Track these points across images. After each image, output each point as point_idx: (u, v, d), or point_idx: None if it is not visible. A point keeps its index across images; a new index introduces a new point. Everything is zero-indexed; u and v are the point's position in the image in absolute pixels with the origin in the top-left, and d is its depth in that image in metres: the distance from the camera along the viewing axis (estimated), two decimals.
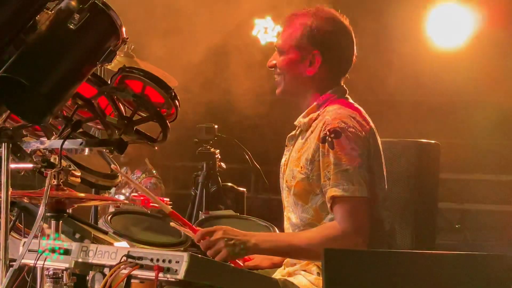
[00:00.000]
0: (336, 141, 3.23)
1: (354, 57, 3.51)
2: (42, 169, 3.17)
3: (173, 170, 9.84)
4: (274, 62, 3.51)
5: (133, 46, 5.01)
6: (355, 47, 3.50)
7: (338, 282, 2.55)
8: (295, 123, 3.50)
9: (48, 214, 3.23)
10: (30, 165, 3.15)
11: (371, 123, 3.40)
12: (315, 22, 3.42)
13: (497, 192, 9.08)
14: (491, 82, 7.80)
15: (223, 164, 6.08)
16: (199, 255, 2.76)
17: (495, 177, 9.22)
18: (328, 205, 3.25)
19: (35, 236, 3.01)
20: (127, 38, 3.02)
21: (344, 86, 3.51)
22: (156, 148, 3.26)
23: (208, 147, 6.03)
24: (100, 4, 2.94)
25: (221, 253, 3.16)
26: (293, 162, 3.41)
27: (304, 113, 3.47)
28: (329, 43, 3.43)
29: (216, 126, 6.55)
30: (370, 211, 3.24)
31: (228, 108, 7.73)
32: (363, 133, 3.29)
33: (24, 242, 3.06)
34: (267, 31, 8.24)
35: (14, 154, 3.06)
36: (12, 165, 3.06)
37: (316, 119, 3.40)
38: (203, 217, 4.45)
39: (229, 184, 5.73)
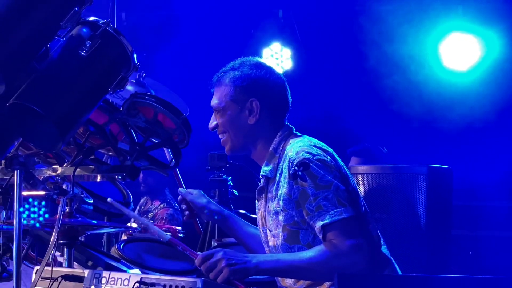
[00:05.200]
0: (307, 173, 3.25)
1: (290, 99, 3.53)
2: (54, 196, 3.17)
3: None
4: (214, 123, 3.54)
5: (144, 74, 5.00)
6: (288, 90, 3.53)
7: None
8: (261, 173, 3.49)
9: (61, 241, 3.23)
10: (42, 193, 3.15)
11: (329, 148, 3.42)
12: (243, 72, 3.47)
13: (511, 218, 9.02)
14: (504, 108, 7.78)
15: (235, 191, 6.05)
16: (213, 281, 2.75)
17: (509, 204, 9.17)
18: (320, 236, 3.24)
19: (48, 264, 3.00)
20: (139, 64, 3.04)
21: (289, 124, 3.52)
22: (167, 174, 3.26)
23: (220, 174, 6.01)
24: (112, 31, 2.96)
25: (222, 273, 3.15)
26: (272, 211, 3.42)
27: (264, 162, 3.47)
28: (261, 88, 3.47)
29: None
30: (360, 227, 3.25)
31: None
32: (328, 156, 3.32)
33: (37, 269, 3.06)
34: (276, 56, 8.25)
35: (27, 182, 3.06)
36: (25, 193, 3.06)
37: (279, 162, 3.41)
38: (216, 244, 4.43)
39: (242, 211, 5.69)
